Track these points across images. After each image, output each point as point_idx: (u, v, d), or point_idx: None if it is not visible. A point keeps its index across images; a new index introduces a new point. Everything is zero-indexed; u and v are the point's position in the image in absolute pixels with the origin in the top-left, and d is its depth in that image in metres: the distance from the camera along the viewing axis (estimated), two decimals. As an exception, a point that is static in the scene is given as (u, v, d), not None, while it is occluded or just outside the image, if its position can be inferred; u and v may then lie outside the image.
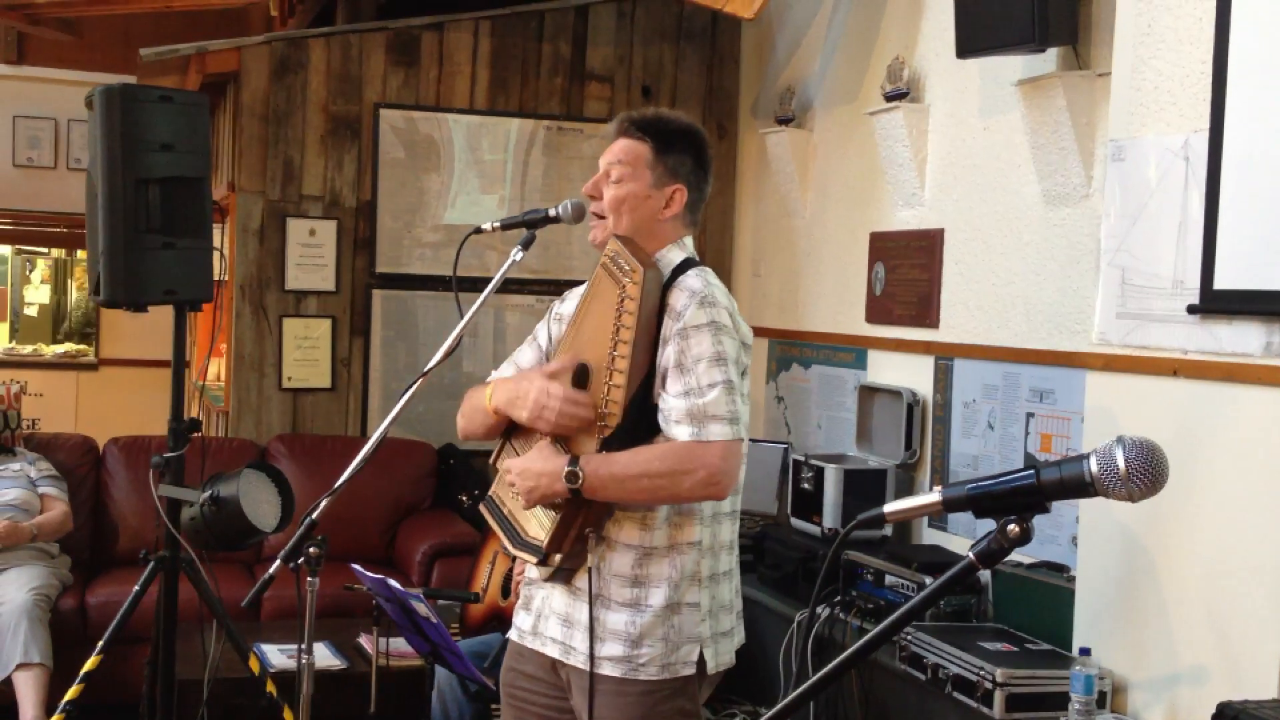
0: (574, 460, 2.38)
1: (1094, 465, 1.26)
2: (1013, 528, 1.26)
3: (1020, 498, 1.26)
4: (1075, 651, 3.39)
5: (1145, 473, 1.26)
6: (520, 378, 2.56)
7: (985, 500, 1.28)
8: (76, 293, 9.97)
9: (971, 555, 1.28)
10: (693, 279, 2.49)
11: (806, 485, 4.72)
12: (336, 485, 2.59)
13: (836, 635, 4.07)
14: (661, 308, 2.45)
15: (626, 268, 2.42)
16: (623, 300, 2.39)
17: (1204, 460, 3.09)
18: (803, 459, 4.79)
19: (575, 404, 2.42)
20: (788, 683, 4.31)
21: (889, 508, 1.32)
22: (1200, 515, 3.12)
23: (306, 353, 5.83)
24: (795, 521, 4.83)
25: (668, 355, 2.41)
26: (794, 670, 4.28)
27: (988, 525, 1.30)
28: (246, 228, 5.75)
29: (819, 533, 4.61)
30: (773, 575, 4.69)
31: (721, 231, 6.29)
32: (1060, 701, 3.21)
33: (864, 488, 4.59)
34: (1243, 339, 3.04)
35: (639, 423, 2.40)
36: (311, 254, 5.82)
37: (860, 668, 3.94)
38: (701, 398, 2.37)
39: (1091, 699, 3.13)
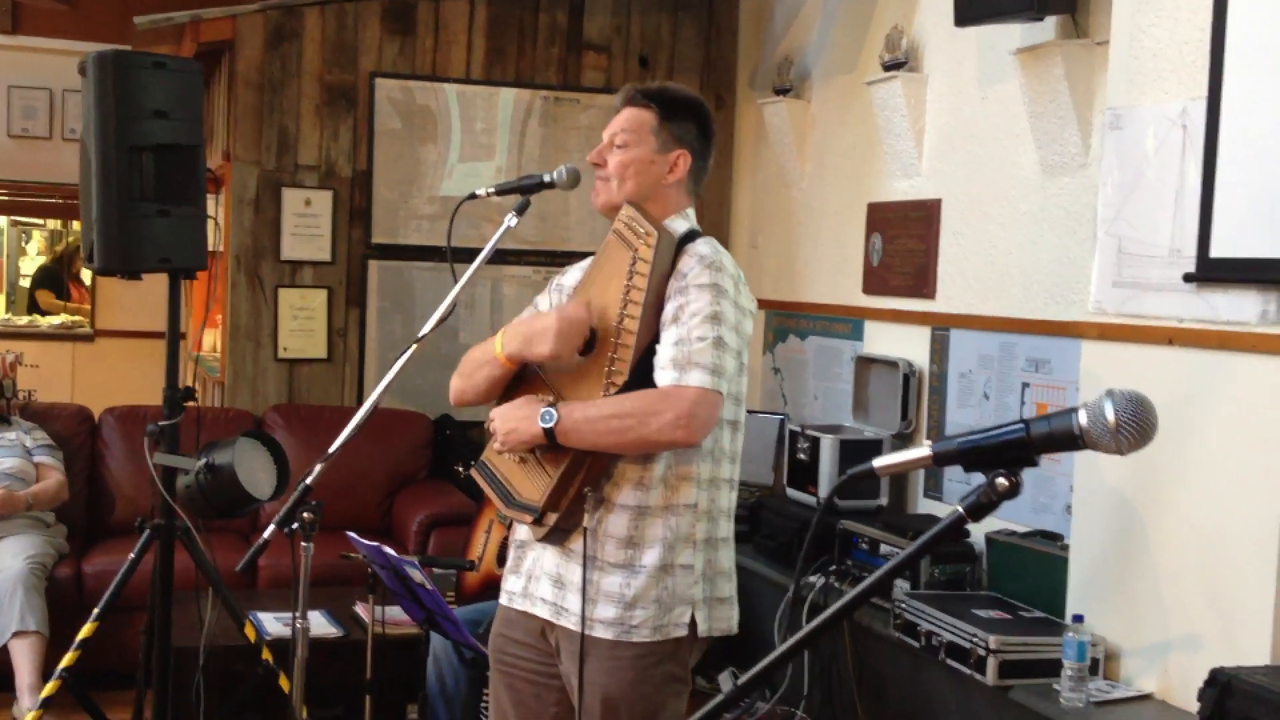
0: (552, 403, 2.39)
1: (1083, 418, 1.26)
2: (1001, 481, 1.26)
3: (1009, 451, 1.26)
4: (1068, 619, 3.41)
5: (1134, 424, 1.26)
6: (533, 319, 2.56)
7: (975, 454, 1.27)
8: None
9: (960, 508, 1.28)
10: (703, 245, 2.53)
11: (803, 456, 4.73)
12: (331, 450, 2.58)
13: (831, 604, 4.08)
14: (671, 272, 2.47)
15: (641, 231, 2.45)
16: (635, 262, 2.43)
17: (1199, 428, 3.09)
18: (799, 430, 4.80)
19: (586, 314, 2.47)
20: (782, 651, 4.32)
21: (879, 462, 1.32)
22: (1194, 483, 3.12)
23: (302, 323, 5.82)
24: (791, 492, 4.84)
25: (667, 311, 2.45)
26: (788, 639, 4.29)
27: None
28: (241, 197, 5.73)
29: (815, 503, 4.62)
30: (769, 545, 4.70)
31: (719, 203, 6.27)
32: (1053, 668, 3.22)
33: (860, 458, 4.56)
34: (1239, 307, 3.04)
35: (646, 383, 2.41)
36: (307, 224, 5.80)
37: (854, 635, 3.95)
38: (689, 347, 2.39)
39: (1084, 665, 3.14)
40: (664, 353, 2.42)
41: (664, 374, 2.40)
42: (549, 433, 2.40)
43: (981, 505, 1.28)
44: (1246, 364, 3.01)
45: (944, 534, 1.30)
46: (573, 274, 2.75)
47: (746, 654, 4.59)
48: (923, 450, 1.31)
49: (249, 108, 5.73)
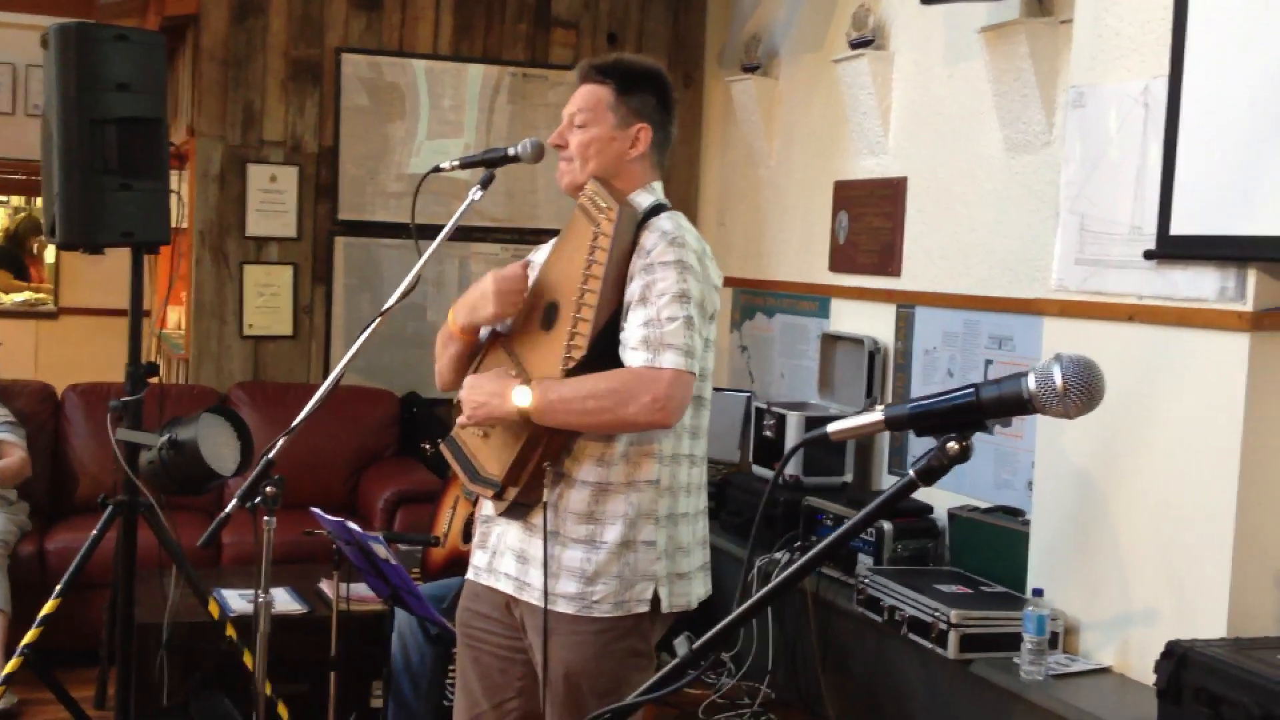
0: (525, 380, 2.39)
1: (1032, 382, 1.27)
2: (952, 445, 1.27)
3: (960, 415, 1.27)
4: (1029, 593, 3.44)
5: (1081, 388, 1.27)
6: (474, 286, 2.62)
7: (926, 418, 1.29)
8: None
9: (912, 473, 1.29)
10: (665, 221, 2.50)
11: (768, 433, 4.75)
12: (294, 424, 2.58)
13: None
14: (633, 248, 2.46)
15: (603, 205, 2.44)
16: (597, 237, 2.41)
17: (1158, 404, 3.13)
18: (765, 407, 4.81)
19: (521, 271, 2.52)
20: (746, 626, 4.34)
21: (833, 427, 1.33)
22: (1153, 458, 3.15)
23: (268, 300, 5.79)
24: (757, 469, 4.86)
25: (633, 289, 2.43)
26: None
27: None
28: (206, 173, 5.69)
29: (781, 480, 4.64)
30: (734, 521, 4.72)
31: (687, 181, 6.27)
32: (1013, 642, 3.26)
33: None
34: (1198, 284, 3.07)
35: (605, 358, 2.41)
36: (272, 200, 5.77)
37: (818, 611, 3.98)
38: (660, 328, 2.38)
39: (1043, 639, 3.17)
40: (633, 333, 2.40)
41: (635, 355, 2.38)
42: (523, 410, 2.39)
43: (932, 469, 1.29)
44: (1205, 340, 3.04)
45: (896, 496, 1.31)
46: (544, 251, 2.75)
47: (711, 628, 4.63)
48: (875, 415, 1.32)
49: (214, 82, 5.68)
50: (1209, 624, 2.96)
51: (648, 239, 2.46)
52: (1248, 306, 2.95)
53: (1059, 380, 1.27)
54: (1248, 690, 2.56)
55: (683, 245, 2.45)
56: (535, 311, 2.56)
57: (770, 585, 1.32)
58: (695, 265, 2.46)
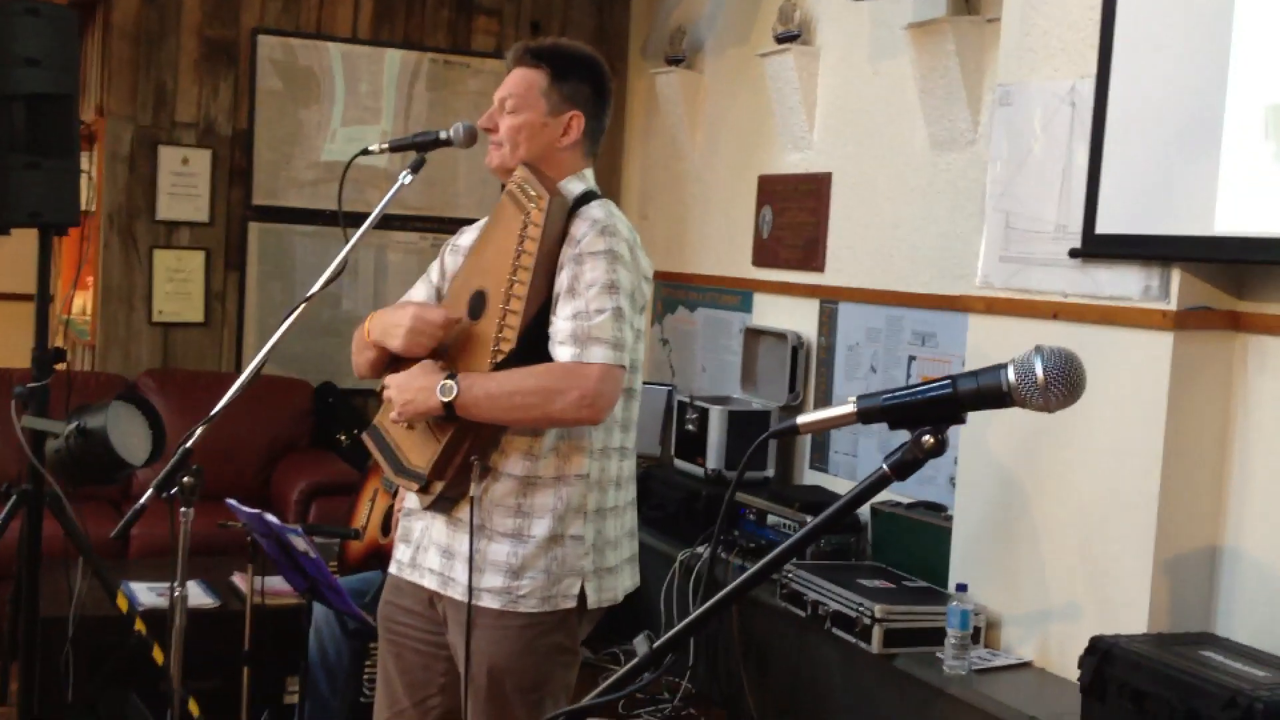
0: (451, 375, 2.34)
1: (1011, 375, 1.25)
2: (927, 438, 1.24)
3: (936, 408, 1.25)
4: (951, 588, 3.46)
5: (1063, 381, 1.26)
6: (396, 307, 2.53)
7: (900, 411, 1.26)
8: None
9: (885, 466, 1.26)
10: (596, 209, 2.46)
11: (691, 427, 4.73)
12: (212, 413, 2.49)
13: (718, 574, 4.09)
14: (563, 236, 2.41)
15: (533, 194, 2.38)
16: (526, 227, 2.36)
17: (1081, 401, 3.14)
18: (687, 400, 4.79)
19: (446, 326, 2.43)
20: (669, 621, 4.33)
21: (803, 419, 1.29)
22: (1076, 455, 3.18)
23: (178, 286, 5.65)
24: (679, 463, 4.84)
25: (562, 280, 2.38)
26: (674, 610, 4.30)
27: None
28: (116, 154, 5.53)
29: (702, 474, 4.63)
30: (656, 515, 4.69)
31: (610, 172, 6.23)
32: (937, 637, 3.27)
33: (748, 429, 4.61)
34: (1121, 283, 3.10)
35: (534, 350, 2.36)
36: (184, 183, 5.62)
37: (740, 605, 3.97)
38: (588, 321, 2.34)
39: (967, 634, 3.19)
40: (562, 326, 2.36)
41: (563, 349, 2.34)
42: (448, 406, 2.34)
43: (907, 463, 1.26)
44: (1128, 338, 3.08)
45: (869, 490, 1.28)
46: (468, 235, 2.69)
47: (634, 625, 4.59)
48: (848, 407, 1.29)
49: (124, 61, 5.52)
50: (1130, 619, 2.99)
51: (578, 228, 2.41)
52: (1171, 305, 2.99)
53: (1040, 373, 1.25)
54: (1171, 686, 2.59)
55: (614, 234, 2.41)
56: (462, 300, 2.51)
57: (732, 585, 1.29)
58: (626, 255, 2.42)
